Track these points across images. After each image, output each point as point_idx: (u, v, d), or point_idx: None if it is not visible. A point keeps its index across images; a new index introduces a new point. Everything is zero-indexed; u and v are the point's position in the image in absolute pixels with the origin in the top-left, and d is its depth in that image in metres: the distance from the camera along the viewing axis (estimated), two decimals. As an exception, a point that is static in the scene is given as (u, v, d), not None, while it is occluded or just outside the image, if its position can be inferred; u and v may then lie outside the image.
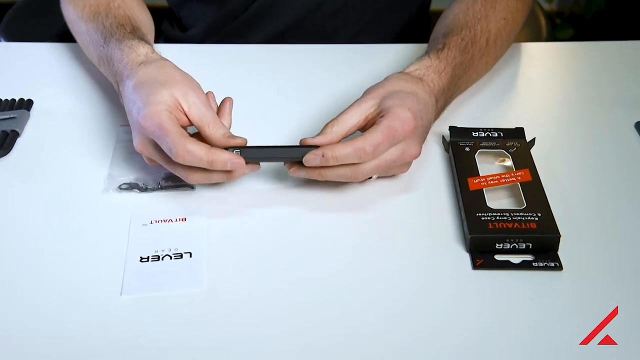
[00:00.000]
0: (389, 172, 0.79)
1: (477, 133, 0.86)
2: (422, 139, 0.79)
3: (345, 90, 0.93)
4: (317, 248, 0.74)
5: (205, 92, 0.81)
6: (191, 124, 0.77)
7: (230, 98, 0.81)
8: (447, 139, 0.86)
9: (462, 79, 0.88)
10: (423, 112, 0.78)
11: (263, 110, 0.93)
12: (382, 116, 0.76)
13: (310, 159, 0.74)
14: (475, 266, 0.72)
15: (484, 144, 0.84)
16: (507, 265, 0.72)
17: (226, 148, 0.75)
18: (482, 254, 0.72)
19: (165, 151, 0.74)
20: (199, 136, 0.77)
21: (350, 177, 0.76)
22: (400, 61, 0.98)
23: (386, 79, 0.81)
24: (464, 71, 0.87)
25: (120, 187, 0.80)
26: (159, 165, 0.79)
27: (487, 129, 0.86)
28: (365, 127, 0.78)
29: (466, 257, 0.73)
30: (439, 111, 0.84)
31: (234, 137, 0.76)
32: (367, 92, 0.80)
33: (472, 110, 0.93)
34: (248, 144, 0.76)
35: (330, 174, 0.76)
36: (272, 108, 0.94)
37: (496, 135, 0.85)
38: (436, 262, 0.73)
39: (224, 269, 0.72)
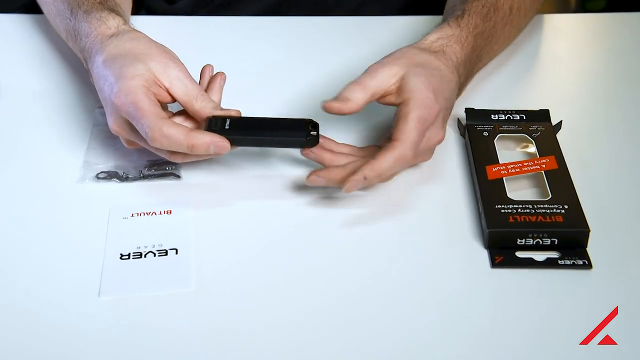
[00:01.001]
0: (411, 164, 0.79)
1: (496, 115, 0.86)
2: (445, 121, 0.79)
3: (347, 69, 0.93)
4: (319, 244, 0.75)
5: (204, 65, 0.81)
6: (173, 100, 0.78)
7: (223, 73, 0.81)
8: (463, 122, 0.86)
9: (484, 50, 0.88)
10: (446, 92, 0.78)
11: (256, 90, 0.93)
12: (404, 102, 0.75)
13: (352, 186, 0.73)
14: (494, 264, 0.72)
15: (504, 127, 0.84)
16: (530, 263, 0.72)
17: (211, 121, 0.75)
18: (502, 250, 0.73)
19: (141, 134, 0.75)
20: (184, 114, 0.78)
21: (381, 181, 0.77)
22: (409, 35, 0.98)
23: (403, 48, 0.81)
24: (485, 41, 0.87)
25: (97, 176, 0.81)
26: (140, 149, 0.79)
27: (507, 111, 0.86)
28: (385, 100, 0.77)
29: (484, 254, 0.73)
30: (461, 87, 0.84)
31: (226, 110, 0.76)
32: (385, 59, 0.78)
33: (491, 90, 0.93)
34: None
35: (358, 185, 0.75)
36: (265, 87, 0.94)
37: (518, 118, 0.86)
38: (450, 259, 0.73)
39: (215, 267, 0.72)
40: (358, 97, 0.76)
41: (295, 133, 0.76)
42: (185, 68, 0.78)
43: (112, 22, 0.83)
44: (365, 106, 0.77)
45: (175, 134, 0.73)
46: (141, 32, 0.82)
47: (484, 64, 0.91)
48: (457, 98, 0.83)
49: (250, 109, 0.79)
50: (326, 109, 0.75)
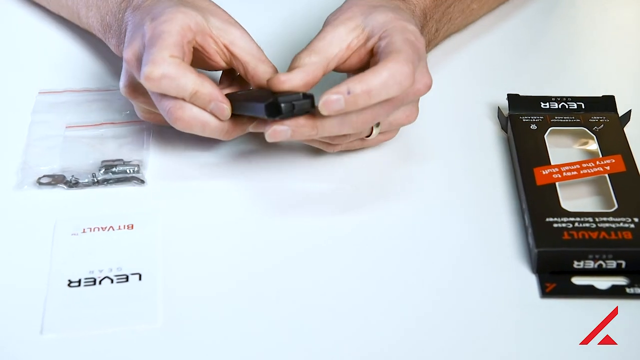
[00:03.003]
0: (391, 120, 0.79)
1: (547, 104, 0.86)
2: (426, 63, 0.78)
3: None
4: (323, 266, 0.74)
5: None
6: (228, 65, 0.79)
7: None
8: (505, 111, 0.86)
9: (456, 8, 0.88)
10: (417, 33, 0.78)
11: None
12: (381, 38, 0.76)
13: (329, 103, 0.71)
14: (545, 293, 0.72)
15: (557, 119, 0.84)
16: (590, 292, 0.72)
17: None
18: (555, 275, 0.73)
19: (140, 72, 0.74)
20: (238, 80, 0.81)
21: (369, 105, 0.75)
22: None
23: (352, 1, 0.81)
24: None
25: (39, 182, 0.81)
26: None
27: (561, 97, 0.86)
28: (349, 62, 0.78)
29: (532, 280, 0.73)
30: (427, 44, 0.83)
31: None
32: (334, 16, 0.79)
33: (539, 70, 0.93)
34: None
35: (330, 127, 0.74)
36: None
37: (575, 106, 0.85)
38: (489, 286, 0.73)
39: (187, 297, 0.72)
40: (308, 64, 0.76)
41: (263, 99, 0.74)
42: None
43: None
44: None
45: (181, 74, 0.73)
46: None
47: (458, 27, 0.91)
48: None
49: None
50: (271, 86, 0.75)
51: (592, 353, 0.68)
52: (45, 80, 0.91)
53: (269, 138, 0.73)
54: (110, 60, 0.93)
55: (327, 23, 0.79)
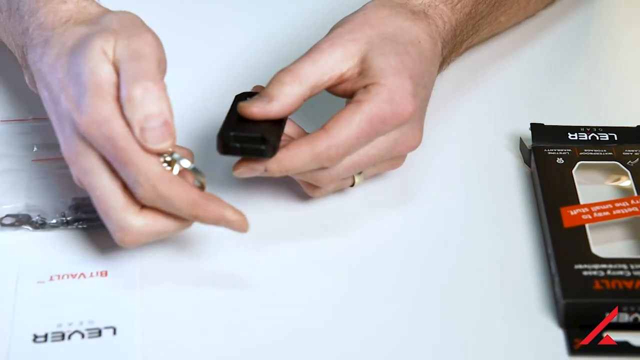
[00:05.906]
0: (374, 171, 0.81)
1: (575, 134, 0.86)
2: (423, 117, 0.80)
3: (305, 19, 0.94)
4: (316, 319, 0.74)
5: None
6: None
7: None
8: (528, 143, 0.86)
9: (485, 20, 0.89)
10: (426, 77, 0.79)
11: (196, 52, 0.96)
12: (365, 87, 0.76)
13: (244, 171, 0.76)
14: (574, 350, 0.72)
15: (586, 152, 0.85)
16: (625, 350, 0.72)
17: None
18: (585, 330, 0.72)
19: (127, 181, 0.72)
20: None
21: (314, 182, 0.78)
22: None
23: (373, 6, 0.81)
24: (490, 8, 0.88)
25: (1, 222, 0.81)
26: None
27: (591, 127, 0.87)
28: (339, 88, 0.79)
29: (559, 336, 0.73)
30: (442, 64, 0.84)
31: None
32: (341, 29, 0.79)
33: (566, 98, 0.93)
34: None
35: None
36: (199, 49, 0.98)
37: (607, 137, 0.86)
38: (510, 343, 0.73)
39: (169, 353, 0.72)
40: (288, 94, 0.76)
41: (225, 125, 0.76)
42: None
43: None
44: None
45: (179, 195, 0.72)
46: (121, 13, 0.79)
47: (481, 39, 0.92)
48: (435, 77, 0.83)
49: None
50: (245, 115, 0.76)
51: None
52: (7, 107, 0.92)
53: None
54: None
55: (329, 35, 0.79)
